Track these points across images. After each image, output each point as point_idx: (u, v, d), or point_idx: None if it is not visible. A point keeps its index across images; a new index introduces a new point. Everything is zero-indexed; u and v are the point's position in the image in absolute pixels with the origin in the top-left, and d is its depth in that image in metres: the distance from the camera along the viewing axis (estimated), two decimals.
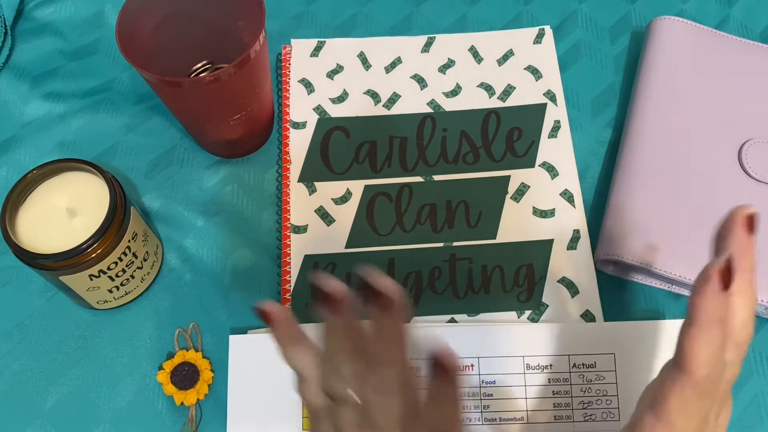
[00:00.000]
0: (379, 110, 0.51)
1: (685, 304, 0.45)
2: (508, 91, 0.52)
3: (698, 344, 0.28)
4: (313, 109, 0.51)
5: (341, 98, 0.52)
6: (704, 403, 0.29)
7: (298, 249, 0.46)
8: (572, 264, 0.46)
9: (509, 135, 0.50)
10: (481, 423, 0.41)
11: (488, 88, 0.52)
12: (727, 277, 0.28)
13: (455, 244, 0.46)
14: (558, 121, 0.51)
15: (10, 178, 0.50)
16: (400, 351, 0.30)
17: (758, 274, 0.43)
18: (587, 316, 0.44)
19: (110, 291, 0.42)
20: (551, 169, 0.49)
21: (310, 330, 0.32)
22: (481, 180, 0.49)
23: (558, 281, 0.45)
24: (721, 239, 0.30)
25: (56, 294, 0.46)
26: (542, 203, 0.48)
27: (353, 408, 0.30)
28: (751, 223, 0.30)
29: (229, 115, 0.45)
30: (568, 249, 0.46)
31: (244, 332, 0.43)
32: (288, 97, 0.52)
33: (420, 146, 0.50)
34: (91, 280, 0.40)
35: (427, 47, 0.54)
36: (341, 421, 0.30)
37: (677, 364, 0.28)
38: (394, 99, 0.52)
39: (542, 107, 0.51)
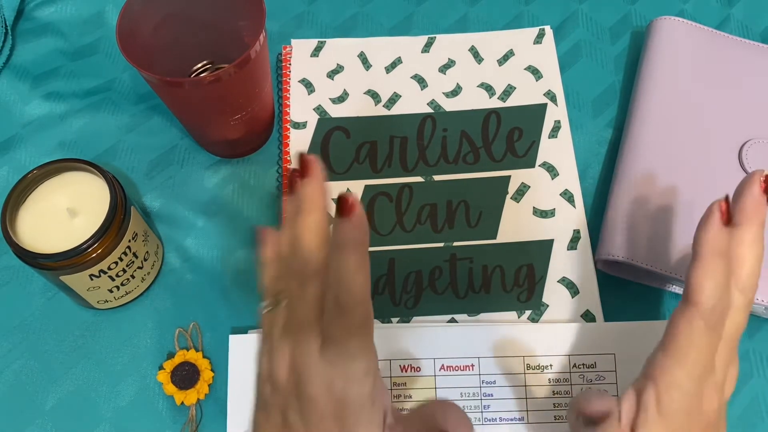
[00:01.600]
0: (380, 110, 0.51)
1: None
2: (509, 91, 0.52)
3: (703, 275, 0.30)
4: (314, 109, 0.51)
5: (341, 98, 0.52)
6: (712, 338, 0.30)
7: None
8: (572, 264, 0.46)
9: (509, 135, 0.50)
10: (481, 423, 0.41)
11: (488, 88, 0.52)
12: (726, 216, 0.30)
13: (455, 244, 0.46)
14: (558, 121, 0.51)
15: (10, 178, 0.50)
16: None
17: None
18: (587, 316, 0.44)
19: (110, 291, 0.43)
20: (551, 169, 0.49)
21: None
22: (482, 180, 0.49)
23: (558, 281, 0.45)
24: (736, 194, 0.32)
25: (56, 294, 0.46)
26: (542, 203, 0.48)
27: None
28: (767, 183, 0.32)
29: (229, 115, 0.45)
30: (568, 249, 0.46)
31: (245, 332, 0.43)
32: (288, 97, 0.52)
33: (420, 146, 0.50)
34: (92, 279, 0.40)
35: (427, 47, 0.54)
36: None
37: (685, 298, 0.30)
38: (394, 99, 0.52)
39: (542, 107, 0.51)
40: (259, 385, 0.33)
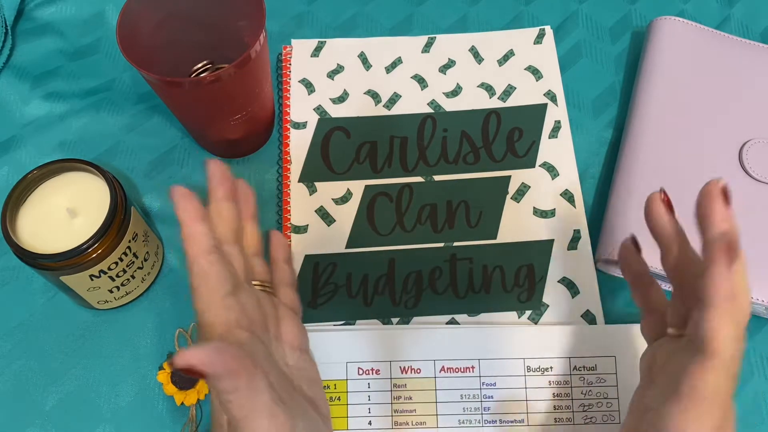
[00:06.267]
0: (380, 110, 0.51)
1: None
2: (509, 91, 0.52)
3: (721, 326, 0.28)
4: (314, 109, 0.51)
5: (342, 98, 0.52)
6: (732, 383, 0.29)
7: (298, 249, 0.46)
8: (572, 264, 0.46)
9: (510, 135, 0.50)
10: (481, 425, 0.41)
11: (489, 89, 0.52)
12: (732, 254, 0.28)
13: (456, 244, 0.46)
14: (558, 122, 0.51)
15: (10, 178, 0.50)
16: None
17: (758, 274, 0.43)
18: (588, 316, 0.44)
19: (111, 291, 0.43)
20: (552, 170, 0.49)
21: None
22: (482, 180, 0.49)
23: (558, 281, 0.45)
24: (704, 217, 0.30)
25: (57, 294, 0.46)
26: (542, 203, 0.48)
27: None
28: (727, 195, 0.30)
29: (229, 115, 0.45)
30: (568, 249, 0.46)
31: None
32: (288, 98, 0.52)
33: (420, 146, 0.50)
34: (92, 280, 0.40)
35: (427, 47, 0.54)
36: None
37: (702, 350, 0.28)
38: (394, 99, 0.52)
39: (543, 107, 0.51)
40: None
